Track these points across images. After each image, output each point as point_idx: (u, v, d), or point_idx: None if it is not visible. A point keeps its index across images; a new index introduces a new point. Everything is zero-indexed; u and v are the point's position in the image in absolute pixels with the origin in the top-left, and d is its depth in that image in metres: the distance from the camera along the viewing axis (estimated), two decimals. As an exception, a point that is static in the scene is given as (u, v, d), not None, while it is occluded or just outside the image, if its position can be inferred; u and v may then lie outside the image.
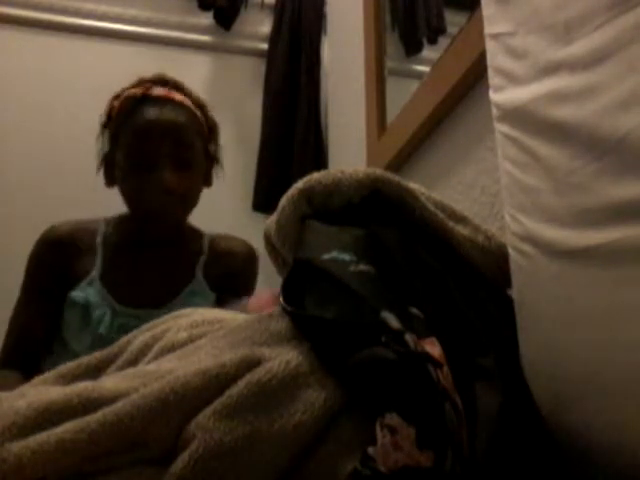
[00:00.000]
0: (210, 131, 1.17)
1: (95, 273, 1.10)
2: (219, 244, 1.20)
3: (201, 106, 1.15)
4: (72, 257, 1.12)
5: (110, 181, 1.14)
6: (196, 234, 1.21)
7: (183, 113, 1.10)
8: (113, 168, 1.12)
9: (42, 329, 1.09)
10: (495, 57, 0.56)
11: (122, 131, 1.09)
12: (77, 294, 1.08)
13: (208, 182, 1.18)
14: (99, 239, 1.15)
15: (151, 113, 1.07)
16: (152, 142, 1.06)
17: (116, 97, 1.12)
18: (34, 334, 1.10)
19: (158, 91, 1.10)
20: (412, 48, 1.33)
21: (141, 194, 1.06)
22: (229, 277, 1.16)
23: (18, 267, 1.16)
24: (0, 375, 1.04)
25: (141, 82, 1.11)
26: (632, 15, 0.40)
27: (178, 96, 1.11)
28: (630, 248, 0.38)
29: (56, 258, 1.12)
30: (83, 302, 1.07)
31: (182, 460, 0.37)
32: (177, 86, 1.13)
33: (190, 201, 1.12)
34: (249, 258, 1.21)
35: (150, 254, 1.14)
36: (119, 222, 1.18)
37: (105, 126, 1.13)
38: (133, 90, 1.10)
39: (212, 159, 1.18)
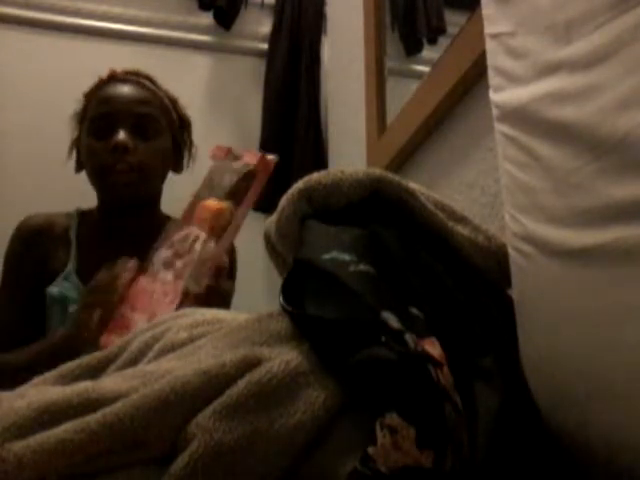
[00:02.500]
0: (182, 125, 1.20)
1: (71, 266, 1.10)
2: None
3: (172, 100, 1.19)
4: (48, 248, 1.13)
5: (79, 165, 1.17)
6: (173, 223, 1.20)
7: (146, 91, 1.14)
8: (79, 151, 1.16)
9: (23, 326, 1.09)
10: (495, 57, 0.56)
11: (87, 110, 1.13)
12: (53, 289, 1.08)
13: (176, 168, 1.20)
14: (73, 231, 1.15)
15: (113, 89, 1.12)
16: (111, 111, 1.09)
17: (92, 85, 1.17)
18: (15, 331, 1.08)
19: (125, 74, 1.15)
20: (412, 48, 1.33)
21: (95, 157, 1.08)
22: None
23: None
24: None
25: (111, 70, 1.16)
26: (632, 15, 0.40)
27: (146, 82, 1.16)
28: (630, 248, 0.38)
29: (32, 249, 1.12)
30: (59, 297, 1.07)
31: (182, 460, 0.37)
32: (148, 77, 1.18)
33: (149, 175, 1.11)
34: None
35: (125, 244, 1.11)
36: (92, 212, 1.19)
37: (75, 114, 1.18)
38: (102, 76, 1.15)
39: (181, 148, 1.20)
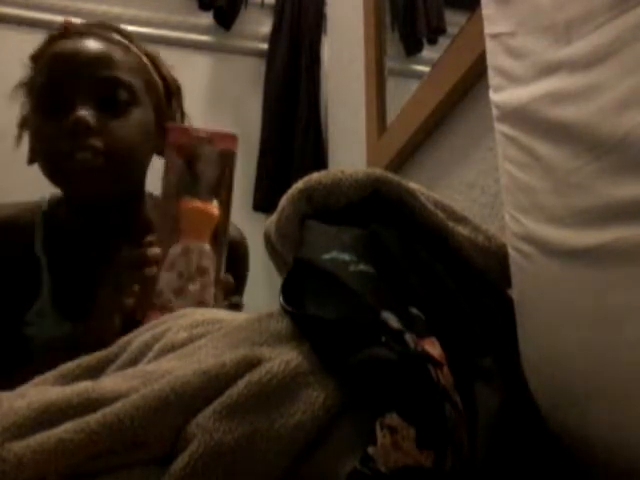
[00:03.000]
0: (168, 91, 0.90)
1: (44, 299, 0.78)
2: None
3: (152, 57, 0.89)
4: (7, 266, 0.79)
5: (32, 154, 0.84)
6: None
7: (113, 47, 0.82)
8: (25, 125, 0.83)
9: None
10: (495, 57, 0.56)
11: (37, 70, 0.82)
12: (31, 331, 0.77)
13: (162, 149, 0.80)
14: (38, 243, 0.81)
15: (68, 45, 0.80)
16: (64, 78, 0.78)
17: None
18: None
19: (85, 26, 0.83)
20: (412, 48, 1.33)
21: (46, 142, 0.77)
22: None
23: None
24: None
25: (64, 23, 0.85)
26: (632, 15, 0.40)
27: (114, 35, 0.84)
28: (630, 248, 0.38)
29: None
30: (44, 342, 0.76)
31: (182, 460, 0.37)
32: (118, 29, 0.86)
33: (123, 163, 0.79)
34: (238, 247, 0.94)
35: (105, 256, 0.81)
36: (58, 209, 0.85)
37: (22, 84, 0.86)
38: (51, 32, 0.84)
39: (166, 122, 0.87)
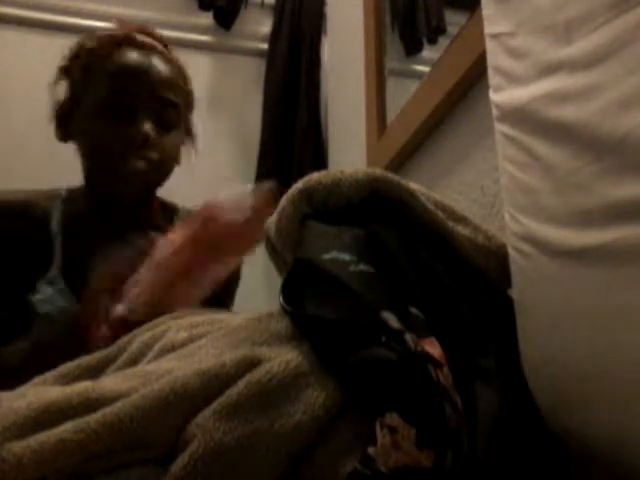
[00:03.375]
0: (189, 104, 1.00)
1: (55, 269, 0.87)
2: None
3: (186, 75, 0.99)
4: (25, 241, 0.88)
5: (65, 134, 0.94)
6: (168, 211, 1.02)
7: (172, 69, 0.94)
8: (71, 119, 0.93)
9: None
10: (495, 57, 0.56)
11: (95, 74, 0.90)
12: (39, 297, 0.84)
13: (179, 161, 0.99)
14: (55, 220, 0.91)
15: (136, 58, 0.90)
16: (134, 90, 0.88)
17: (87, 38, 0.94)
18: None
19: (143, 37, 0.94)
20: (412, 48, 1.33)
21: (110, 146, 0.87)
22: None
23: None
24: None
25: (122, 25, 0.95)
26: (632, 15, 0.40)
27: (166, 51, 0.95)
28: (630, 248, 0.38)
29: (9, 231, 0.88)
30: (48, 308, 0.84)
31: (182, 460, 0.37)
32: (162, 41, 0.97)
33: (164, 174, 0.93)
34: None
35: (117, 239, 0.84)
36: (78, 197, 0.95)
37: (65, 71, 0.95)
38: (113, 32, 0.93)
39: (188, 134, 1.01)
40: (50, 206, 0.92)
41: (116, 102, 0.88)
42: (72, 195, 0.96)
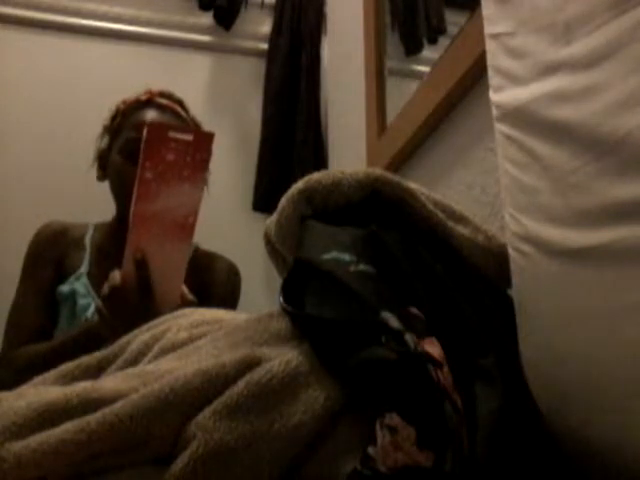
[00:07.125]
0: None
1: (83, 270, 1.18)
2: (201, 259, 1.26)
3: (197, 125, 1.26)
4: (64, 251, 1.21)
5: (102, 175, 1.24)
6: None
7: (183, 122, 1.20)
8: (107, 162, 1.21)
9: (41, 323, 1.14)
10: (495, 57, 0.56)
11: (122, 128, 1.18)
12: (64, 287, 1.15)
13: None
14: (88, 238, 1.24)
15: (152, 114, 1.17)
16: None
17: (123, 102, 1.22)
18: (32, 328, 1.14)
19: (163, 100, 1.21)
20: (412, 48, 1.33)
21: (125, 180, 1.11)
22: (206, 289, 1.20)
23: (15, 265, 1.20)
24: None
25: (148, 91, 1.22)
26: (632, 15, 0.40)
27: (181, 110, 1.23)
28: (630, 248, 0.38)
29: (51, 251, 1.20)
30: (69, 293, 1.14)
31: (182, 460, 0.37)
32: (180, 102, 1.24)
33: None
34: (229, 275, 1.29)
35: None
36: (106, 225, 1.26)
37: (106, 128, 1.23)
38: (140, 96, 1.21)
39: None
40: (85, 228, 1.27)
41: (133, 146, 1.07)
42: (101, 224, 1.28)
